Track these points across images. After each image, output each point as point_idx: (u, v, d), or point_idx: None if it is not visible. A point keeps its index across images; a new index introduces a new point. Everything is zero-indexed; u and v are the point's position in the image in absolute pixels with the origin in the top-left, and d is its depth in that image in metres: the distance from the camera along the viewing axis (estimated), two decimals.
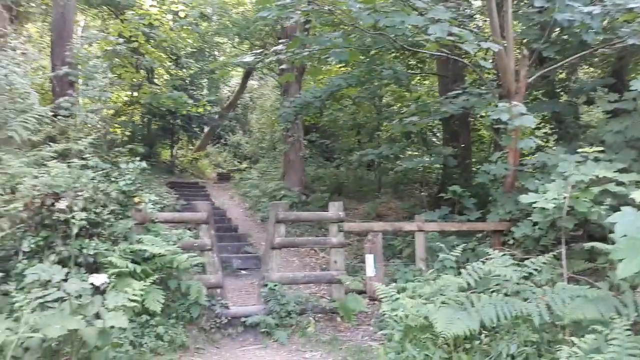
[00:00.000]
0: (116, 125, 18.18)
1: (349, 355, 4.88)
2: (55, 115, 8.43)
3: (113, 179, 5.35)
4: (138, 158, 5.69)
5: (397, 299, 4.44)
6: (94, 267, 4.67)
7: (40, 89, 12.91)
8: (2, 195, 4.50)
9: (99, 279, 3.59)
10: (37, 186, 4.61)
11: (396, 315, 4.30)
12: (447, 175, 10.96)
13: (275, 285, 5.60)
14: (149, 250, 4.85)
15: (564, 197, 4.68)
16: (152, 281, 4.64)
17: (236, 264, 8.50)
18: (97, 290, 3.73)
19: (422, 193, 14.65)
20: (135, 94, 16.48)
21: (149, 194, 5.52)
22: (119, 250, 4.76)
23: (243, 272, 8.43)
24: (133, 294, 3.90)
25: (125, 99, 18.91)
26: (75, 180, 4.85)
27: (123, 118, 18.28)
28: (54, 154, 6.10)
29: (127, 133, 18.52)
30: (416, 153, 13.63)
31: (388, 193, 14.67)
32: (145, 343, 4.47)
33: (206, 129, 20.97)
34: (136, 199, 5.39)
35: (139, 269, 4.71)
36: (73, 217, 4.41)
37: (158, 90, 13.79)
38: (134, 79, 15.91)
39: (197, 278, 5.39)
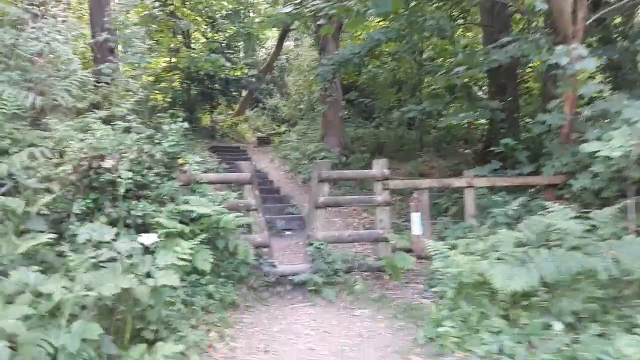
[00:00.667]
0: (156, 91, 18.42)
1: (399, 313, 4.77)
2: (97, 82, 8.47)
3: (157, 142, 5.33)
4: (180, 119, 5.64)
5: (449, 256, 4.27)
6: (143, 228, 4.69)
7: (82, 57, 13.07)
8: (51, 159, 4.54)
9: (149, 238, 3.56)
10: (83, 149, 4.63)
11: (448, 272, 4.14)
12: (493, 131, 10.47)
13: (321, 244, 5.51)
14: (196, 210, 4.83)
15: (632, 145, 4.29)
16: (200, 241, 4.65)
17: (280, 224, 8.49)
18: (147, 250, 3.72)
19: (466, 150, 14.21)
20: (174, 59, 16.50)
21: (192, 156, 5.46)
22: (166, 211, 4.75)
23: (287, 232, 8.42)
24: (182, 253, 3.88)
25: (164, 64, 19.03)
26: (120, 142, 4.83)
27: (163, 84, 18.43)
28: (98, 120, 6.13)
29: (168, 99, 18.77)
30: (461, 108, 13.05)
31: (430, 152, 14.27)
32: (197, 301, 4.50)
33: (244, 93, 20.90)
34: (180, 161, 5.36)
35: (187, 229, 4.70)
36: (119, 177, 4.41)
37: (196, 55, 13.68)
38: (171, 44, 15.88)
39: (243, 238, 5.37)
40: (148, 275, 3.50)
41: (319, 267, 5.39)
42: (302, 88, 18.90)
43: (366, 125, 15.86)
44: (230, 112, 21.12)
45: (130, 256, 3.46)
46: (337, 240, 5.74)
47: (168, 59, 17.39)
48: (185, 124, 5.45)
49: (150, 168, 5.03)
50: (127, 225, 4.62)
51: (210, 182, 5.46)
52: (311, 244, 5.54)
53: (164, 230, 4.54)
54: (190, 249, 4.23)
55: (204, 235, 4.76)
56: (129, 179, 4.61)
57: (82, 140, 4.69)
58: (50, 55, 7.42)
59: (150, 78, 18.68)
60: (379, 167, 5.85)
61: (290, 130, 17.66)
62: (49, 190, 4.13)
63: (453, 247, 4.52)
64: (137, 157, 4.80)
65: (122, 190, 4.63)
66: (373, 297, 5.25)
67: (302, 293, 5.38)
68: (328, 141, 13.00)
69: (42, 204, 3.88)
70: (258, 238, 5.45)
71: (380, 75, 14.48)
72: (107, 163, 4.43)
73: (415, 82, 14.10)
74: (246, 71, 16.92)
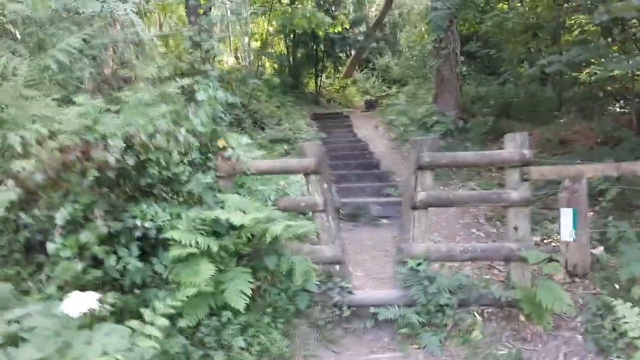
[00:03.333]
0: (265, 57, 17.22)
1: None
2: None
3: (189, 118, 3.74)
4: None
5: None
6: (154, 244, 3.19)
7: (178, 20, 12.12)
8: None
9: (81, 302, 1.96)
10: (75, 132, 3.18)
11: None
12: None
13: (419, 264, 3.56)
14: (229, 219, 3.18)
15: None
16: (236, 262, 3.02)
17: (375, 210, 6.61)
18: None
19: (621, 110, 10.78)
20: (274, 22, 14.98)
21: (238, 136, 3.79)
22: (187, 220, 3.18)
23: (384, 220, 6.52)
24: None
25: (270, 29, 17.70)
26: (127, 123, 3.31)
27: (269, 50, 17.15)
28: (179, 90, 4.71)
29: (274, 65, 17.50)
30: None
31: (571, 112, 11.13)
32: (220, 357, 2.91)
33: (352, 55, 18.85)
34: (221, 143, 3.72)
35: (214, 245, 3.09)
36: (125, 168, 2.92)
37: (289, 9, 11.99)
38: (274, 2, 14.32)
39: (306, 251, 3.64)
40: None
41: (416, 298, 3.47)
42: (414, 42, 16.28)
43: (489, 82, 12.97)
44: (339, 75, 19.29)
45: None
46: (446, 257, 3.72)
47: (273, 23, 15.99)
48: (228, 96, 3.79)
49: (181, 153, 3.47)
50: (138, 239, 3.14)
51: (261, 173, 3.75)
52: (404, 262, 3.61)
53: (179, 251, 2.98)
54: (207, 279, 2.64)
55: (245, 251, 3.15)
56: (139, 171, 3.11)
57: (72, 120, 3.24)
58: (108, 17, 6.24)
59: (257, 43, 17.58)
60: (515, 144, 3.63)
61: (400, 92, 15.34)
62: None
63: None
64: (149, 139, 3.23)
65: (128, 188, 3.15)
66: (501, 354, 3.21)
67: (389, 334, 3.54)
68: (442, 102, 10.59)
69: None
70: (327, 251, 3.67)
71: (509, 20, 11.41)
72: (96, 152, 2.94)
73: (555, 26, 10.83)
74: (347, 26, 14.82)
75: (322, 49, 16.40)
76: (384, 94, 17.67)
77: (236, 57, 16.59)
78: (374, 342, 3.51)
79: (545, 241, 4.60)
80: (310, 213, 3.84)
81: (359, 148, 9.63)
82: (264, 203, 3.56)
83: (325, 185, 3.71)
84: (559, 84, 11.44)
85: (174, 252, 2.99)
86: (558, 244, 4.19)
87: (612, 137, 8.49)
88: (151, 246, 3.18)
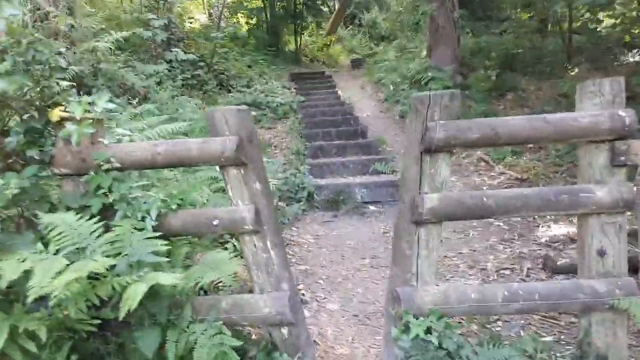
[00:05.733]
0: (240, 13, 15.01)
1: None
2: None
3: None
4: None
5: None
6: None
7: None
8: None
9: None
10: None
11: None
12: None
13: (430, 325, 1.87)
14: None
15: None
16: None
17: (360, 194, 4.90)
18: None
19: (634, 60, 9.00)
20: None
21: (95, 98, 2.00)
22: None
23: (371, 207, 4.82)
24: None
25: None
26: None
27: (247, 5, 14.93)
28: None
29: (250, 21, 15.29)
30: None
31: (581, 64, 9.36)
32: None
33: (336, 10, 16.64)
34: (55, 114, 1.93)
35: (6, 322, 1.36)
36: None
37: None
38: None
39: (225, 307, 1.93)
40: None
41: None
42: None
43: (487, 31, 11.02)
44: (322, 33, 17.12)
45: None
46: (477, 309, 2.01)
47: None
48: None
49: None
50: None
51: (135, 166, 1.98)
52: (404, 326, 1.91)
53: None
54: None
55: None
56: None
57: None
58: None
59: None
60: (602, 100, 1.89)
61: (389, 47, 13.32)
62: None
63: None
64: None
65: None
66: None
67: None
68: (437, 56, 8.71)
69: None
70: (264, 304, 1.96)
71: None
72: None
73: None
74: None
75: (302, 1, 14.22)
76: (371, 52, 15.61)
77: (210, 14, 14.38)
78: None
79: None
80: (231, 243, 2.10)
81: (342, 112, 7.81)
82: (135, 224, 1.82)
83: (259, 186, 1.96)
84: (568, 32, 9.57)
85: None
86: None
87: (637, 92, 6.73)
88: None
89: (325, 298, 3.04)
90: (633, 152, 1.86)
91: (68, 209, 1.94)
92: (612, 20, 8.83)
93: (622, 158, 1.89)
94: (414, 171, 1.94)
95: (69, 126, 1.86)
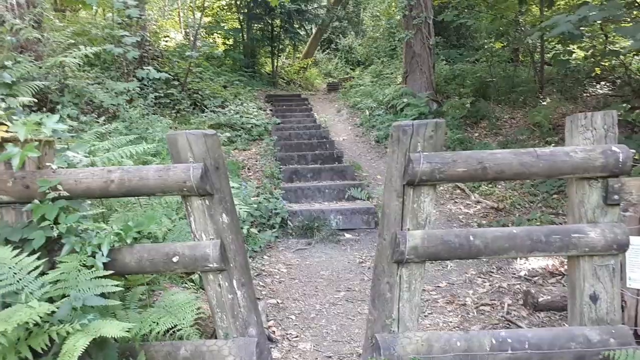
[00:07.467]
0: (217, 33, 14.91)
1: None
2: None
3: None
4: None
5: None
6: None
7: None
8: None
9: None
10: None
11: None
12: None
13: None
14: None
15: None
16: None
17: (335, 220, 4.72)
18: None
19: (603, 91, 9.27)
20: None
21: (43, 117, 1.77)
22: None
23: (347, 235, 4.64)
24: None
25: (223, 2, 15.38)
26: None
27: (224, 26, 14.83)
28: None
29: (229, 42, 15.19)
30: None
31: (553, 94, 9.59)
32: None
33: (314, 31, 16.75)
34: None
35: None
36: None
37: None
38: None
39: (185, 355, 1.69)
40: None
41: None
42: (380, 13, 14.30)
43: (464, 58, 11.22)
44: (299, 56, 17.17)
45: None
46: (464, 358, 1.84)
47: None
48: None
49: None
50: None
51: (87, 195, 1.75)
52: None
53: None
54: None
55: None
56: None
57: None
58: None
59: (208, 19, 15.22)
60: (594, 133, 1.79)
61: (365, 72, 13.41)
62: None
63: None
64: None
65: None
66: None
67: None
68: (413, 81, 8.74)
69: None
70: (228, 354, 1.72)
71: None
72: None
73: None
74: None
75: (279, 23, 14.23)
76: (347, 76, 15.72)
77: (186, 34, 14.22)
78: None
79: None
80: (197, 275, 1.88)
81: (317, 136, 7.67)
82: (84, 260, 1.58)
83: (225, 218, 1.76)
84: (540, 63, 9.82)
85: None
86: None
87: None
88: None
89: (297, 336, 2.82)
90: (627, 190, 1.76)
91: (7, 242, 1.69)
92: (583, 53, 9.12)
93: (616, 197, 1.77)
94: (395, 206, 1.78)
95: (11, 148, 1.62)
